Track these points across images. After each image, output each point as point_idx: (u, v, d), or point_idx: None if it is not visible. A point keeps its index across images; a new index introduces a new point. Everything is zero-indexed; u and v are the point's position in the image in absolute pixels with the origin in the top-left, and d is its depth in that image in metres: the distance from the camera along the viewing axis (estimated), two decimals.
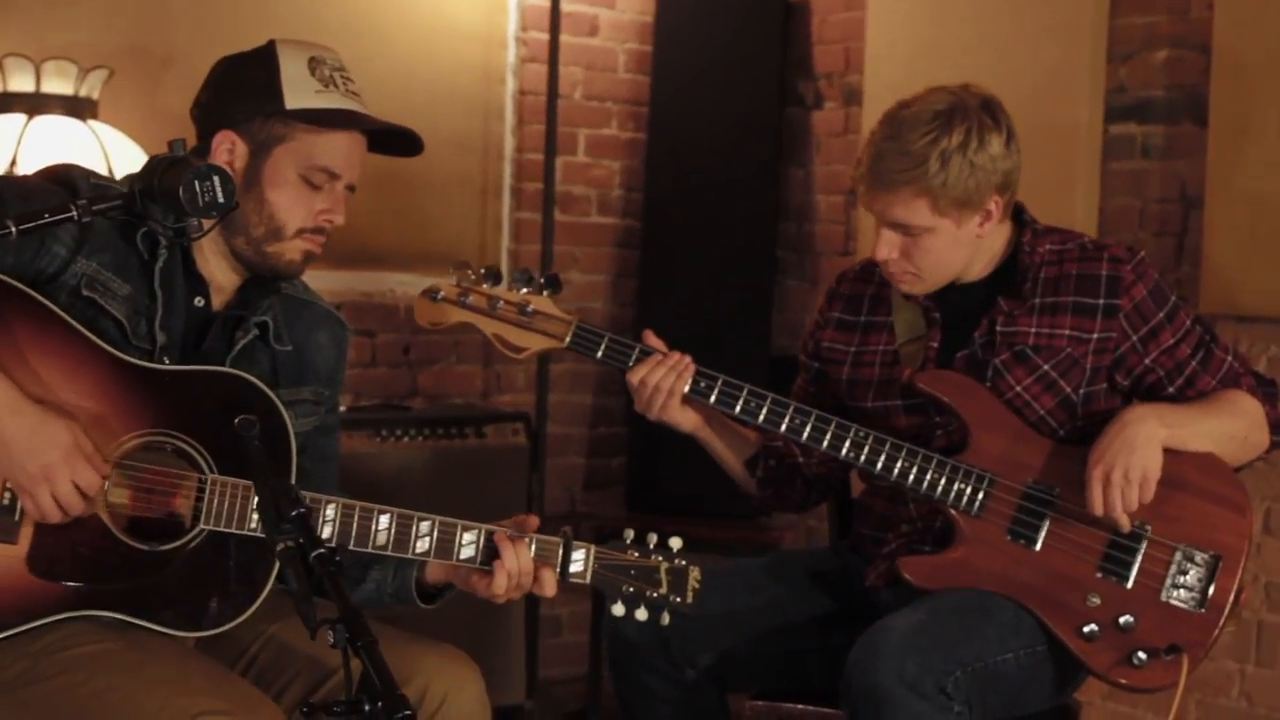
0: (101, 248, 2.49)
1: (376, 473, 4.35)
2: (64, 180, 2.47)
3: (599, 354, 2.88)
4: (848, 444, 2.89)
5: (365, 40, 4.75)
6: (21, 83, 3.93)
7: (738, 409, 2.90)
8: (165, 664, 2.41)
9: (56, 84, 3.95)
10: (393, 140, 2.69)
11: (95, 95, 4.02)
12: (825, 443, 2.89)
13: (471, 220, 5.07)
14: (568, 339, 2.86)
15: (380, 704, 1.95)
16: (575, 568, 2.60)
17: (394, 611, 2.70)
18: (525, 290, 2.85)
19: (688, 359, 2.91)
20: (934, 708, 2.68)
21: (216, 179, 2.31)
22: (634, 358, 2.89)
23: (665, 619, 2.62)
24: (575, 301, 5.19)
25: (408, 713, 1.92)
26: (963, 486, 2.89)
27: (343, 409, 4.58)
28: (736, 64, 5.14)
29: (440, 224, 4.98)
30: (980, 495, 2.89)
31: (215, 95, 2.62)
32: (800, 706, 3.01)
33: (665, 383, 2.89)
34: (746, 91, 5.12)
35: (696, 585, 2.62)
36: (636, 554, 2.62)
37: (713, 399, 2.90)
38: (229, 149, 2.56)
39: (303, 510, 2.14)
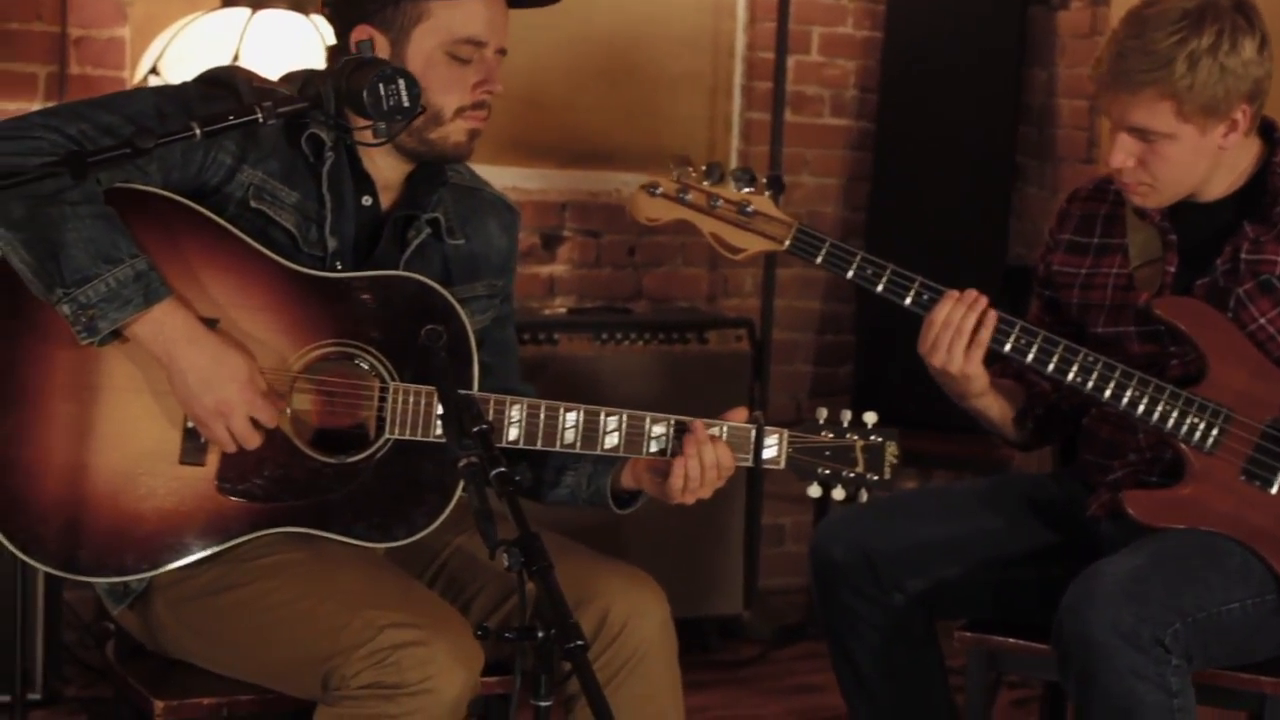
0: (268, 155, 2.44)
1: (596, 375, 4.31)
2: (226, 83, 2.42)
3: (819, 259, 2.73)
4: (1075, 368, 2.74)
5: None
6: None
7: (1030, 358, 2.73)
8: (355, 574, 2.40)
9: None
10: None
11: None
12: (1051, 366, 2.75)
13: (700, 120, 4.97)
14: (787, 242, 2.73)
15: (553, 631, 1.91)
16: (769, 453, 2.55)
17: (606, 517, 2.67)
18: (747, 190, 2.73)
19: (984, 298, 2.74)
20: (1150, 660, 2.54)
21: (402, 82, 2.25)
22: (857, 266, 2.71)
23: (864, 496, 2.58)
24: (805, 205, 5.08)
25: (580, 643, 1.89)
26: (1196, 421, 2.73)
27: (564, 310, 4.60)
28: None
29: (669, 123, 4.90)
30: (1215, 431, 2.73)
31: None
32: (1011, 640, 2.88)
33: (968, 324, 2.74)
34: None
35: (894, 460, 2.57)
36: (831, 435, 2.56)
37: (1008, 345, 2.74)
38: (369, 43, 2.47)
39: (485, 427, 2.11)
